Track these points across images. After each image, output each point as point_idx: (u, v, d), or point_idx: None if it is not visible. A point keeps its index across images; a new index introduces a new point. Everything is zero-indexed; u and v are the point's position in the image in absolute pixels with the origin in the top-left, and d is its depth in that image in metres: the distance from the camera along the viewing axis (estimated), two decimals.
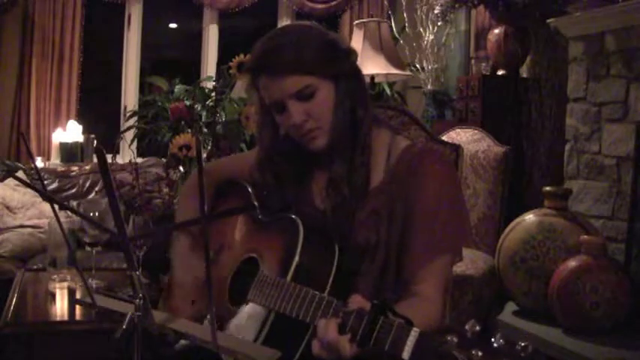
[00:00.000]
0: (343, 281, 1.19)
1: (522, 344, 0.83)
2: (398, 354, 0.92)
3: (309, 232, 1.21)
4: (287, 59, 1.23)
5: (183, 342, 1.24)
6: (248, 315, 1.22)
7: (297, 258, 1.18)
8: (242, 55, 2.26)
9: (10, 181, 3.55)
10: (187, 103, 2.58)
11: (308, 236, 1.21)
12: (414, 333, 0.92)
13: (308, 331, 1.12)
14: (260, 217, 1.35)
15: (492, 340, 0.85)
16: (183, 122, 2.37)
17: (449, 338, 0.86)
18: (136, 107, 4.44)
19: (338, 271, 1.18)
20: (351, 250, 1.24)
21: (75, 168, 4.03)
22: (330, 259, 1.19)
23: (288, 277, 1.17)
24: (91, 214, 2.38)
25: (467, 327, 0.87)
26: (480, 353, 0.83)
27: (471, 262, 2.81)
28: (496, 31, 3.74)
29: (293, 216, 1.25)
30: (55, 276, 2.16)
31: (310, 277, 1.16)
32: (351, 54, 1.32)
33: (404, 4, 4.57)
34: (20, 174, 3.66)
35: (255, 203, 1.16)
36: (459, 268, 2.64)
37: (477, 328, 0.87)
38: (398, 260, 1.26)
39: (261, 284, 1.22)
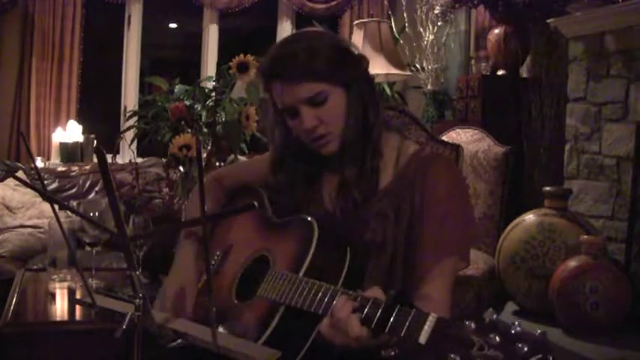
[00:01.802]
0: (352, 281, 1.20)
1: (539, 331, 0.86)
2: (414, 339, 0.93)
3: (322, 233, 1.23)
4: (300, 66, 1.25)
5: (178, 342, 1.24)
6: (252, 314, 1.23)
7: (310, 257, 1.20)
8: (242, 55, 2.26)
9: (10, 181, 3.54)
10: (187, 103, 2.57)
11: (321, 236, 1.23)
12: (431, 318, 0.94)
13: (314, 329, 1.13)
14: (272, 217, 1.37)
15: (510, 326, 0.87)
16: (183, 122, 2.37)
17: (467, 323, 0.88)
18: (136, 107, 4.42)
19: (347, 271, 1.20)
20: (358, 249, 1.25)
21: (75, 168, 4.02)
22: (341, 260, 1.21)
23: (301, 274, 1.19)
24: (91, 214, 2.38)
25: (484, 315, 0.88)
26: (497, 338, 0.85)
27: (471, 262, 2.81)
28: (496, 31, 3.74)
29: (309, 218, 1.27)
30: (55, 276, 2.16)
31: (321, 275, 1.18)
32: (363, 60, 1.34)
33: (404, 4, 4.57)
34: (20, 174, 3.66)
35: (255, 203, 1.17)
36: None
37: (495, 316, 0.89)
38: (405, 262, 1.27)
39: (273, 279, 1.23)
